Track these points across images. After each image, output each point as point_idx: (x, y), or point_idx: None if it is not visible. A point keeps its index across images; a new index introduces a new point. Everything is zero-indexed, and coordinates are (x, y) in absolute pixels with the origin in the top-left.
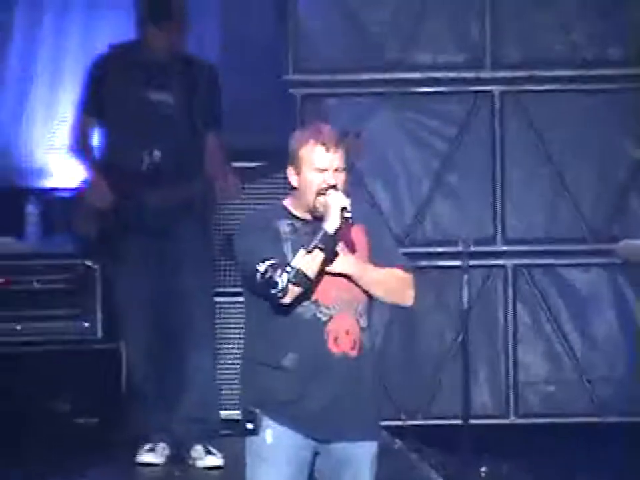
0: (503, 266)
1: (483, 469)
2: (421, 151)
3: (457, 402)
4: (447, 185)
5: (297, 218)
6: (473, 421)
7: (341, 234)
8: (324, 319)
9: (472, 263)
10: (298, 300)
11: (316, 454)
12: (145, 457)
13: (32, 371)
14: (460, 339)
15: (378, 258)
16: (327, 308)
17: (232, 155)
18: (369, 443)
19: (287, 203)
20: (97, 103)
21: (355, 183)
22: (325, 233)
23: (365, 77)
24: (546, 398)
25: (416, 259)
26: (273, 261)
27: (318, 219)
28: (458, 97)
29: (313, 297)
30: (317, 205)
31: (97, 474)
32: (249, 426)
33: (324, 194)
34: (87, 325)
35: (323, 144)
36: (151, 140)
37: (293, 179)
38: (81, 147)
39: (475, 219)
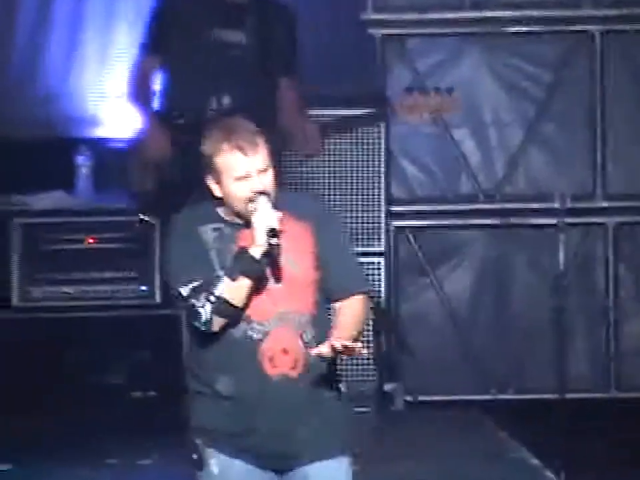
0: (603, 224)
1: (579, 448)
2: (513, 97)
3: (551, 374)
4: (542, 134)
5: (226, 221)
6: (569, 395)
7: (273, 255)
8: (257, 336)
9: (569, 220)
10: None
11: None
12: None
13: (83, 338)
14: (555, 304)
15: (327, 268)
16: (261, 324)
17: (308, 103)
18: (334, 461)
19: (217, 204)
20: (161, 41)
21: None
22: (250, 258)
23: (451, 15)
24: None
25: (507, 216)
26: (195, 284)
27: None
28: (554, 38)
29: (244, 313)
30: (247, 216)
31: (157, 455)
32: (194, 457)
33: (253, 200)
34: (144, 288)
35: (240, 148)
36: (219, 84)
37: (215, 189)
38: (140, 92)
39: (572, 172)
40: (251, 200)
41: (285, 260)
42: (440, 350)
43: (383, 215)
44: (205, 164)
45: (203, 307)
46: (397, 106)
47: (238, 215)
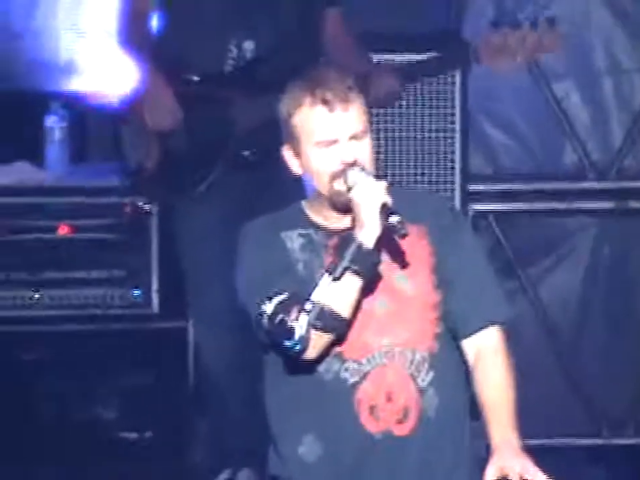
0: None
1: None
2: (637, 36)
3: None
4: None
5: (317, 226)
6: None
7: (387, 244)
8: (352, 379)
9: None
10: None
11: None
12: None
13: (55, 361)
14: None
15: (449, 288)
16: (358, 362)
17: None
18: None
19: (305, 204)
20: None
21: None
22: (359, 247)
23: None
24: None
25: (626, 198)
26: (284, 296)
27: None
28: None
29: (336, 348)
30: (335, 198)
31: None
32: None
33: (340, 176)
34: (137, 293)
35: (324, 101)
36: (239, 25)
37: (293, 164)
38: (133, 32)
39: None
40: (335, 175)
41: (391, 275)
42: (534, 378)
43: (457, 195)
44: (282, 129)
45: (296, 319)
46: (479, 47)
47: (325, 203)
